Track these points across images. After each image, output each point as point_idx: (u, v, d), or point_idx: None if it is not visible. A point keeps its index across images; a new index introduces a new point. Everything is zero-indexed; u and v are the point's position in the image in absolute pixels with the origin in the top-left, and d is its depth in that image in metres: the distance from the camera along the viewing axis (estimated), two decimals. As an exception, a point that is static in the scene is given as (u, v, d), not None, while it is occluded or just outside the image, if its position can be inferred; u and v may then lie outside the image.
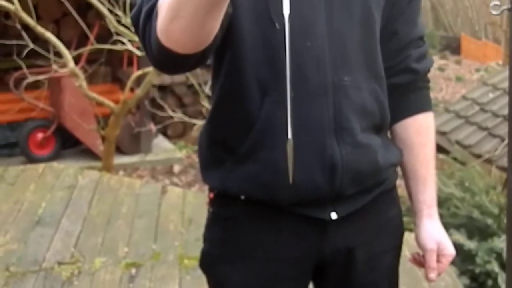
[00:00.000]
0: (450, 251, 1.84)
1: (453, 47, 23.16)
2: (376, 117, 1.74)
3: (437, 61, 20.88)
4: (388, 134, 1.89)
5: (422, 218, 1.86)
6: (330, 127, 1.65)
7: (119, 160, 8.12)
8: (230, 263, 1.79)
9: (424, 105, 1.88)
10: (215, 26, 1.38)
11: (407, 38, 1.81)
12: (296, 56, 1.56)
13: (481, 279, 4.74)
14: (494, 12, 2.58)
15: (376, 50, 1.73)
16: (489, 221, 5.18)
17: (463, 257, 5.09)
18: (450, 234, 5.16)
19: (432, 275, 1.84)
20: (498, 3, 2.55)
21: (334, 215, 1.73)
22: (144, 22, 1.45)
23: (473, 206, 5.64)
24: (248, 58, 1.61)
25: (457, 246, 5.09)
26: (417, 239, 1.87)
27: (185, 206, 5.02)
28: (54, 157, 8.19)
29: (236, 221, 1.78)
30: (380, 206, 1.83)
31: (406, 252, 2.02)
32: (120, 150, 8.38)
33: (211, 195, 1.82)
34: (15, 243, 4.46)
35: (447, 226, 5.41)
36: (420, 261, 1.88)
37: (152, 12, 1.43)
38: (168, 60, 1.46)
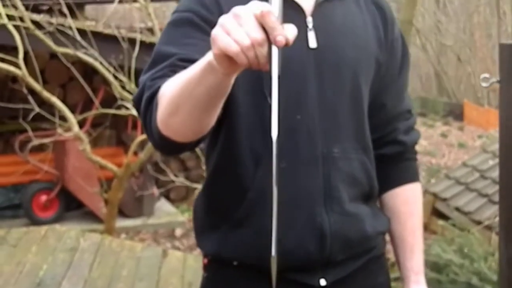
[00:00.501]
0: None
1: (456, 114, 23.31)
2: (365, 187, 1.81)
3: (440, 127, 21.02)
4: (378, 203, 1.97)
5: (410, 284, 1.92)
6: (320, 196, 1.72)
7: (122, 223, 8.17)
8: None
9: (411, 176, 1.95)
10: (212, 120, 1.49)
11: (395, 111, 1.90)
12: (288, 128, 1.65)
13: None
14: (484, 85, 2.65)
15: (364, 122, 1.82)
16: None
17: (462, 324, 5.11)
18: (449, 301, 5.21)
19: None
20: (487, 75, 2.64)
21: (323, 282, 1.78)
22: (145, 109, 1.55)
23: (472, 272, 5.66)
24: (243, 129, 1.69)
25: (457, 313, 5.13)
26: (406, 304, 1.93)
27: (185, 270, 5.07)
28: (58, 219, 8.24)
29: (229, 286, 1.84)
30: (369, 272, 1.88)
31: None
32: (122, 213, 8.44)
33: (205, 260, 1.89)
34: (16, 305, 4.51)
35: (446, 293, 5.46)
36: (408, 326, 1.94)
37: (152, 100, 1.53)
38: (167, 146, 1.56)
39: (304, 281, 1.78)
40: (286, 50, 1.48)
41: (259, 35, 1.24)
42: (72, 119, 6.34)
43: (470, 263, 5.80)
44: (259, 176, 1.70)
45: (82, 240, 5.77)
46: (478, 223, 7.53)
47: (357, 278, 1.85)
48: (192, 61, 1.47)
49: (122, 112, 6.44)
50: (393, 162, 1.92)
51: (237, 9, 1.25)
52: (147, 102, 1.55)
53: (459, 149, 17.58)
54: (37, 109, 6.37)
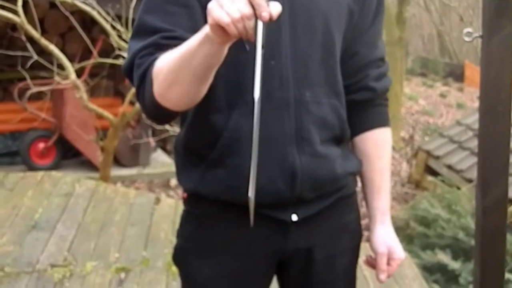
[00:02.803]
0: (399, 255, 2.00)
1: (457, 74, 23.31)
2: (336, 130, 1.91)
3: (440, 88, 21.05)
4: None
5: (376, 224, 2.03)
6: (292, 137, 1.82)
7: (118, 172, 8.28)
8: (201, 257, 1.95)
9: (381, 121, 2.04)
10: (206, 88, 1.65)
11: (367, 59, 1.98)
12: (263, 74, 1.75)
13: (464, 298, 4.87)
14: (466, 39, 2.72)
15: (336, 69, 1.90)
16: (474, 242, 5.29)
17: (447, 277, 5.22)
18: (435, 254, 5.32)
19: (383, 276, 2.00)
20: (471, 30, 2.71)
21: (294, 217, 1.89)
22: (138, 85, 1.72)
23: (458, 227, 5.77)
24: (221, 74, 1.78)
25: (442, 266, 5.25)
26: (370, 243, 2.04)
27: (176, 216, 5.16)
28: (55, 167, 8.31)
29: (207, 219, 1.94)
30: (338, 211, 1.99)
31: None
32: (119, 162, 8.55)
33: (185, 195, 1.99)
34: (11, 246, 4.62)
35: (433, 246, 5.57)
36: (372, 263, 2.04)
37: (145, 77, 1.69)
38: (162, 115, 1.75)
39: (277, 216, 1.88)
40: None
41: (247, 10, 1.43)
42: (69, 67, 6.40)
43: (457, 219, 5.91)
44: (234, 118, 1.79)
45: (77, 186, 5.88)
46: (470, 181, 7.63)
47: (327, 216, 1.95)
48: (173, 38, 1.67)
49: (120, 62, 6.49)
50: (364, 108, 2.01)
51: None
52: (139, 80, 1.71)
53: (457, 109, 17.65)
54: (35, 57, 6.42)
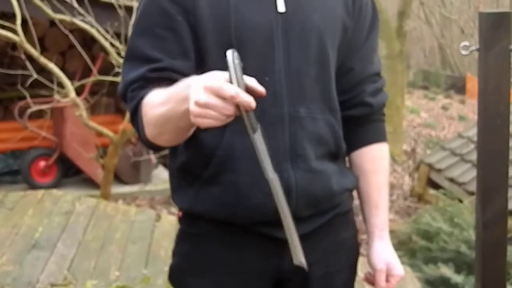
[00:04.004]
0: (398, 271, 1.98)
1: (458, 87, 23.28)
2: (331, 146, 1.89)
3: (441, 100, 21.03)
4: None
5: (374, 240, 2.01)
6: (286, 154, 1.81)
7: (119, 189, 8.27)
8: (197, 276, 1.93)
9: (377, 136, 2.03)
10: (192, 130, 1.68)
11: (363, 74, 1.97)
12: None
13: (467, 312, 4.83)
14: (463, 52, 2.71)
15: (331, 84, 1.89)
16: (476, 255, 5.26)
17: (450, 291, 5.19)
18: (438, 268, 5.29)
19: (381, 293, 1.98)
20: (467, 43, 2.70)
21: (290, 235, 1.87)
22: (131, 117, 1.79)
23: (461, 241, 5.74)
24: None
25: (445, 280, 5.21)
26: (368, 259, 2.02)
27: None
28: (56, 185, 8.30)
29: (202, 238, 1.93)
30: (335, 228, 1.97)
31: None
32: (120, 180, 8.55)
33: (180, 214, 1.98)
34: (11, 265, 4.61)
35: (435, 260, 5.53)
36: (371, 280, 2.02)
37: (136, 112, 1.75)
38: (156, 147, 1.81)
39: (272, 234, 1.85)
40: (256, 15, 1.66)
41: (230, 111, 1.46)
42: (69, 85, 6.40)
43: (459, 232, 5.88)
44: (227, 135, 1.78)
45: (78, 204, 5.87)
46: (472, 193, 7.59)
47: (323, 233, 1.93)
48: (161, 69, 1.75)
49: (119, 79, 6.48)
50: (360, 123, 2.00)
51: (198, 93, 1.45)
52: (131, 113, 1.78)
53: (459, 121, 17.62)
54: (35, 75, 6.43)
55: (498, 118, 2.72)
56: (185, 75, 1.74)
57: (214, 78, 1.46)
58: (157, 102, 1.66)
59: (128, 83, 1.77)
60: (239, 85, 1.44)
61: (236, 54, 1.47)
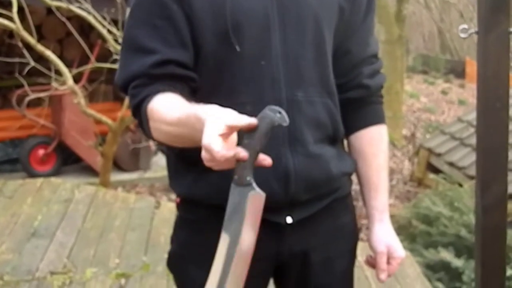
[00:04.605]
0: (399, 253, 1.97)
1: (458, 71, 23.28)
2: (329, 129, 1.87)
3: (441, 85, 21.03)
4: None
5: (374, 223, 1.99)
6: (284, 138, 1.79)
7: (119, 177, 8.27)
8: (195, 263, 1.91)
9: (376, 118, 2.01)
10: None
11: (360, 57, 1.95)
12: (252, 75, 1.74)
13: (467, 296, 4.83)
14: (462, 35, 2.69)
15: (328, 68, 1.87)
16: (476, 239, 5.25)
17: (450, 275, 5.18)
18: (438, 252, 5.29)
19: (383, 276, 1.96)
20: (466, 26, 2.68)
21: (289, 219, 1.85)
22: (133, 113, 1.78)
23: (461, 225, 5.73)
24: (209, 78, 1.78)
25: (445, 264, 5.21)
26: (369, 242, 2.00)
27: (176, 220, 5.15)
28: (55, 173, 8.31)
29: (201, 224, 1.91)
30: (334, 212, 1.95)
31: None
32: (120, 167, 8.53)
33: (178, 200, 1.97)
34: (10, 254, 4.60)
35: (435, 244, 5.53)
36: (372, 263, 2.01)
37: (139, 110, 1.74)
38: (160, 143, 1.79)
39: (271, 219, 1.84)
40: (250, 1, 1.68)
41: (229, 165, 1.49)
42: (66, 72, 6.38)
43: (459, 216, 5.87)
44: None
45: (77, 192, 5.86)
46: (472, 178, 7.58)
47: (322, 218, 1.92)
48: (162, 64, 1.71)
49: (117, 66, 6.46)
50: (358, 106, 1.98)
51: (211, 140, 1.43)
52: (134, 110, 1.76)
53: (459, 106, 17.61)
54: (32, 63, 6.41)
55: (497, 101, 2.71)
56: (187, 68, 1.74)
57: (212, 131, 1.44)
58: (169, 119, 1.65)
59: (129, 78, 1.75)
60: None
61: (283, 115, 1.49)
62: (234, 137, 1.47)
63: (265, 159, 1.51)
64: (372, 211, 2.01)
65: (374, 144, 2.00)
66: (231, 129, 1.43)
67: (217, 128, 1.42)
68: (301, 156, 1.80)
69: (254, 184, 1.52)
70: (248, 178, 1.51)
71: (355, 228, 2.06)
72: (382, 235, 1.98)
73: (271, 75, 1.77)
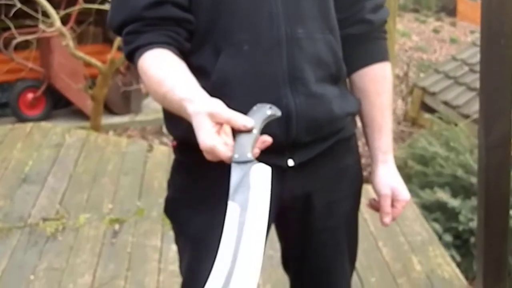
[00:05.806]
0: (404, 196, 1.90)
1: (449, 9, 23.08)
2: (331, 68, 1.78)
3: (432, 23, 20.86)
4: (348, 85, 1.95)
5: (378, 164, 1.92)
6: (285, 78, 1.70)
7: (110, 120, 8.19)
8: (192, 207, 1.85)
9: (379, 55, 1.93)
10: None
11: None
12: (249, 11, 1.66)
13: (464, 236, 4.79)
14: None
15: (329, 2, 1.78)
16: (473, 179, 5.21)
17: (447, 215, 5.14)
18: (434, 192, 5.25)
19: (387, 219, 1.89)
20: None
21: (291, 162, 1.78)
22: (127, 57, 1.70)
23: (457, 165, 5.69)
24: (203, 19, 1.69)
25: (441, 204, 5.18)
26: (373, 184, 1.93)
27: (170, 164, 5.07)
28: (45, 117, 8.24)
29: (198, 167, 1.82)
30: (337, 154, 1.87)
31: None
32: (111, 111, 8.44)
33: (174, 143, 1.89)
34: (1, 200, 4.53)
35: (432, 185, 5.49)
36: (375, 206, 1.94)
37: (133, 58, 1.67)
38: None
39: (272, 162, 1.74)
40: None
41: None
42: (54, 14, 6.24)
43: (455, 156, 5.83)
44: (221, 60, 1.69)
45: (68, 136, 5.76)
46: (467, 117, 7.53)
47: (325, 160, 1.84)
48: (158, 4, 1.62)
49: (106, 7, 6.32)
50: (361, 42, 1.89)
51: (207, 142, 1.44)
52: (128, 56, 1.68)
53: (450, 44, 17.48)
54: (19, 5, 6.27)
55: (502, 38, 2.63)
56: (183, 8, 1.65)
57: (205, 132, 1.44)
58: (155, 89, 1.60)
59: (122, 22, 1.66)
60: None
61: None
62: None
63: (266, 141, 1.50)
64: (375, 152, 1.93)
65: (378, 82, 1.92)
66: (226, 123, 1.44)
67: (211, 127, 1.43)
68: (302, 96, 1.72)
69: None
70: (249, 155, 1.46)
71: (359, 170, 1.99)
72: (386, 177, 1.91)
73: (269, 11, 1.68)
